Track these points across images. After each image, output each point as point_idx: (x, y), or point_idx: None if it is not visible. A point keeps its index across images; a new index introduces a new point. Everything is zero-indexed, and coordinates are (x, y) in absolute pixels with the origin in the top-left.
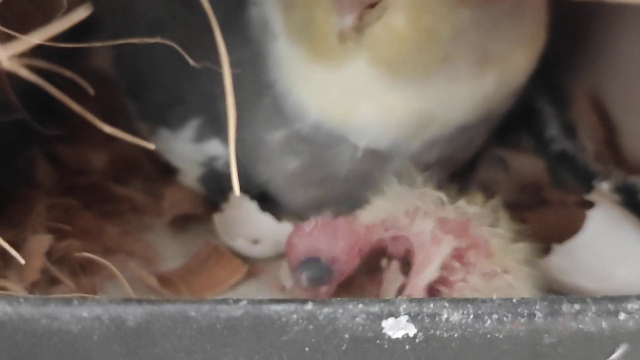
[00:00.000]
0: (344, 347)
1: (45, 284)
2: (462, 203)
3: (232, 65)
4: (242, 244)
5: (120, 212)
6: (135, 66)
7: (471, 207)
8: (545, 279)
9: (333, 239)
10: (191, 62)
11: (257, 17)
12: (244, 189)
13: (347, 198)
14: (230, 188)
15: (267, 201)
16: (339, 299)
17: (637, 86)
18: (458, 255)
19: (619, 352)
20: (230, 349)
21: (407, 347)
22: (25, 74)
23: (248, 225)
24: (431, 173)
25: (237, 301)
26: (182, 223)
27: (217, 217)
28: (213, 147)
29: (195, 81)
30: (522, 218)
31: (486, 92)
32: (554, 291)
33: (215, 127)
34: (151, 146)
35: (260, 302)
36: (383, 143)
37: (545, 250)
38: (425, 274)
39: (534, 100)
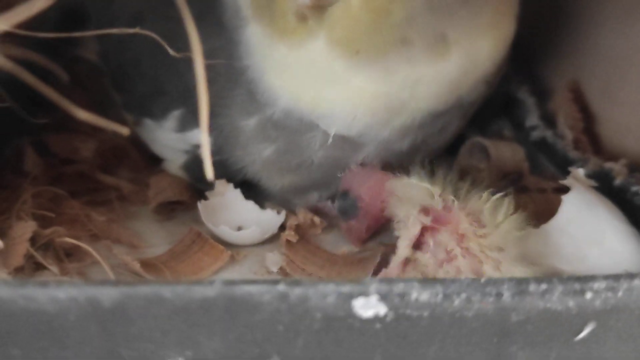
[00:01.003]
0: (316, 327)
1: (30, 269)
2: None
3: (208, 54)
4: (225, 231)
5: (107, 201)
6: (118, 59)
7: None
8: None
9: (362, 181)
10: (170, 51)
11: (231, 3)
12: (226, 177)
13: (324, 184)
14: (214, 175)
15: (250, 188)
16: (310, 279)
17: (616, 75)
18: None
19: (587, 330)
20: (205, 328)
21: (378, 326)
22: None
23: (232, 212)
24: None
25: (211, 282)
26: (168, 211)
27: (201, 205)
28: (196, 135)
29: (176, 72)
30: None
31: (451, 78)
32: None
33: (197, 116)
34: (125, 131)
35: (234, 282)
36: (353, 130)
37: None
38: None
39: (515, 90)
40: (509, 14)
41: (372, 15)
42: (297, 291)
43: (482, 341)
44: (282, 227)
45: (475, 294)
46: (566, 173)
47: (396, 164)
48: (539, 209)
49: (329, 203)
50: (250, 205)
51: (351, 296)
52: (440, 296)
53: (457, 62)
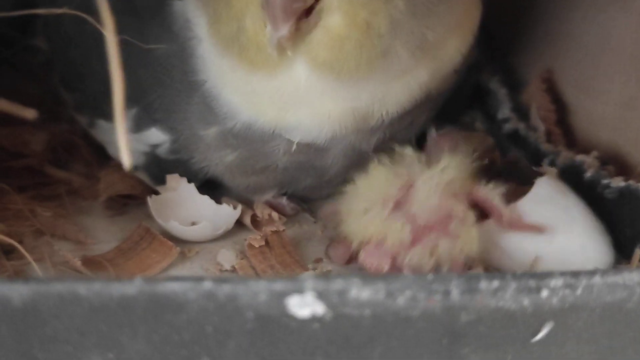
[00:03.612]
0: (248, 327)
1: None
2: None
3: (162, 58)
4: (175, 226)
5: (56, 195)
6: (68, 56)
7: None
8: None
9: None
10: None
11: (180, 13)
12: (187, 175)
13: (289, 183)
14: (175, 172)
15: (209, 185)
16: (240, 276)
17: (589, 64)
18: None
19: (544, 331)
20: (127, 328)
21: (317, 326)
22: None
23: (185, 207)
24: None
25: (131, 279)
26: (120, 206)
27: (151, 200)
28: (152, 135)
29: (127, 68)
30: None
31: (422, 81)
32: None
33: (152, 114)
34: (31, 115)
35: (156, 280)
36: (319, 139)
37: None
38: None
39: (487, 81)
40: (476, 4)
41: (355, 32)
42: (225, 289)
43: (430, 343)
44: (239, 222)
45: (420, 291)
46: (537, 165)
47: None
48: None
49: (283, 199)
50: (205, 200)
51: (284, 294)
52: (382, 294)
53: (428, 64)
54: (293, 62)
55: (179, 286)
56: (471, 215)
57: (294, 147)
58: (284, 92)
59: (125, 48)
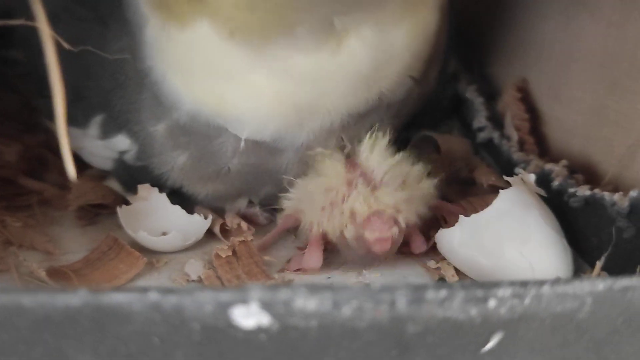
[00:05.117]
0: (195, 339)
1: None
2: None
3: (117, 53)
4: (144, 237)
5: (27, 206)
6: (40, 64)
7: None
8: (446, 249)
9: None
10: (66, 45)
11: (131, 1)
12: (152, 183)
13: (250, 190)
14: (143, 180)
15: (182, 196)
16: (187, 287)
17: (561, 74)
18: None
19: (493, 341)
20: (73, 340)
21: (263, 337)
22: None
23: (156, 217)
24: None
25: (75, 290)
26: (92, 215)
27: (121, 210)
28: (120, 141)
29: (92, 76)
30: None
31: (361, 72)
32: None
33: (118, 121)
34: None
35: (101, 290)
36: (265, 134)
37: None
38: None
39: (464, 90)
40: (427, 2)
41: None
42: (171, 300)
43: (379, 355)
44: (211, 233)
45: (367, 301)
46: (508, 174)
47: None
48: (479, 202)
49: (256, 209)
50: (177, 210)
51: (229, 304)
52: (329, 304)
53: (363, 54)
54: (198, 20)
55: (124, 297)
56: (418, 168)
57: (242, 144)
58: (207, 60)
59: (88, 56)
